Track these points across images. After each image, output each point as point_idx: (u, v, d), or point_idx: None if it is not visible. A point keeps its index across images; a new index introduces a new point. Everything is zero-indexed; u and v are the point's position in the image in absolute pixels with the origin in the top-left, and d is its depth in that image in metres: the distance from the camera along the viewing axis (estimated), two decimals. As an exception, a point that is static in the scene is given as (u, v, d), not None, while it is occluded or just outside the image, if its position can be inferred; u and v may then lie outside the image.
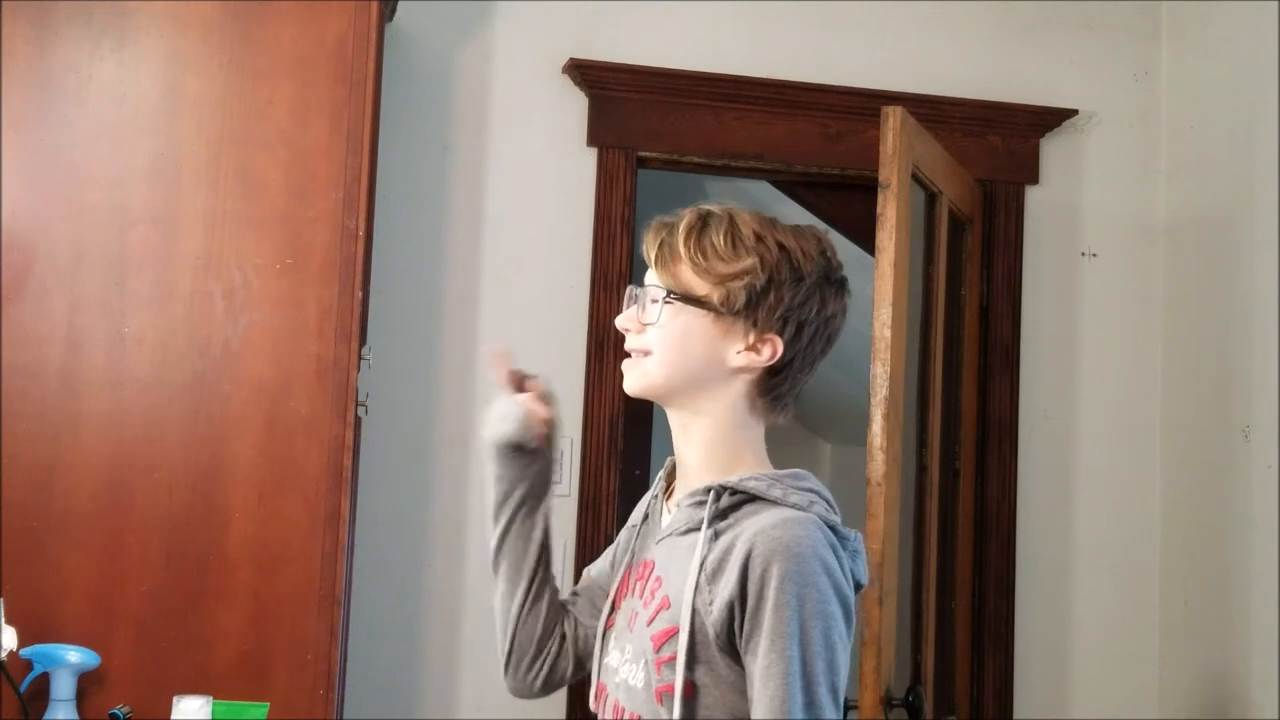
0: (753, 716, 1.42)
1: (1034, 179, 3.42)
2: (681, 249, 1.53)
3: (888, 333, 2.70)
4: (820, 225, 3.61)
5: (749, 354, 1.52)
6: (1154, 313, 3.43)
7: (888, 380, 2.69)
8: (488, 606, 3.07)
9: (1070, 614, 3.36)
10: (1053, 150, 3.44)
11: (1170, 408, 3.39)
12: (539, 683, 1.70)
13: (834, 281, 1.56)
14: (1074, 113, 3.42)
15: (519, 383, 1.72)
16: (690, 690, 1.45)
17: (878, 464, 2.68)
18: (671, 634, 1.47)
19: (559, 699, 3.07)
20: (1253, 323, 3.11)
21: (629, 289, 1.61)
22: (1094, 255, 3.44)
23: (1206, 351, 3.29)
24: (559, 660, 1.70)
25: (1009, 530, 3.31)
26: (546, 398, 1.71)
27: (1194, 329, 3.33)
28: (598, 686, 1.61)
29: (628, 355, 1.59)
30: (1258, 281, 3.11)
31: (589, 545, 3.10)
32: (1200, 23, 3.40)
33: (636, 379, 1.57)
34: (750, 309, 1.51)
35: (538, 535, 1.71)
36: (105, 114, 2.51)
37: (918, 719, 2.73)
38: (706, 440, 1.56)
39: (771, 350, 1.52)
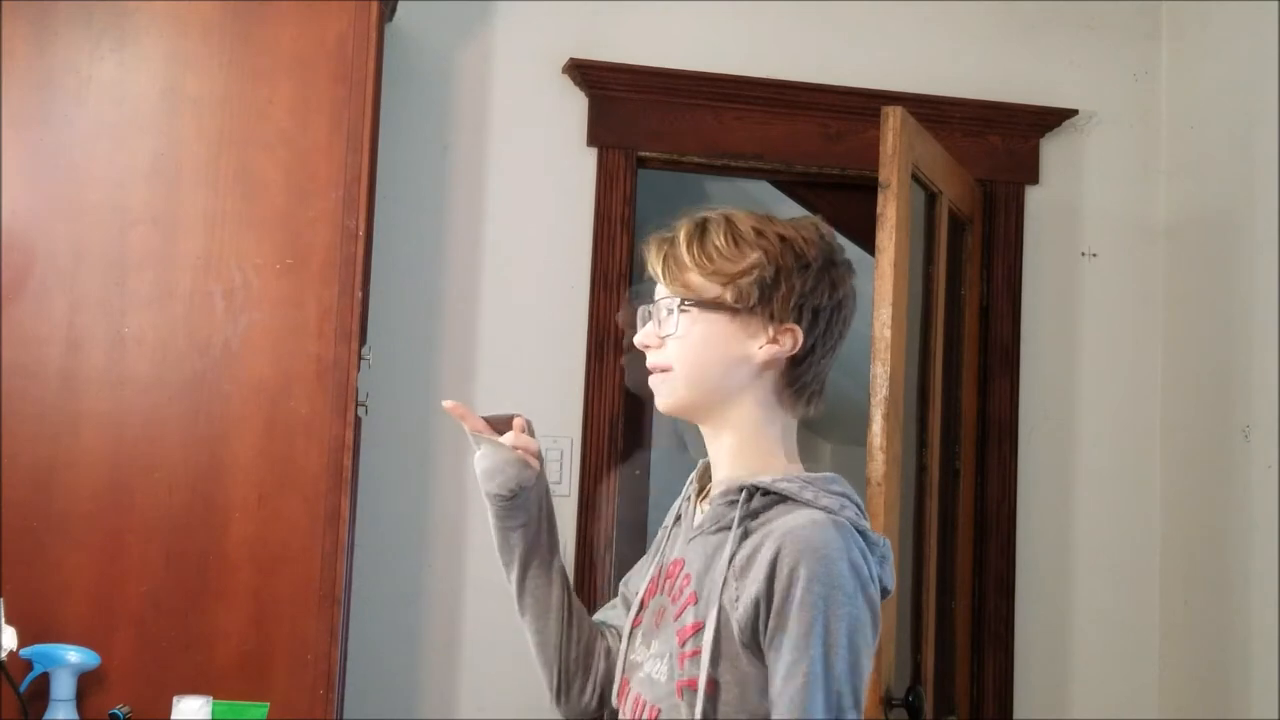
0: (773, 714, 1.42)
1: (1034, 179, 3.42)
2: (686, 257, 1.55)
3: (888, 333, 2.70)
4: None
5: (771, 346, 1.54)
6: (1154, 313, 3.43)
7: (888, 380, 2.69)
8: (488, 606, 3.10)
9: (1070, 614, 3.36)
10: (1053, 150, 3.44)
11: (1170, 408, 3.39)
12: (594, 701, 1.70)
13: (839, 264, 1.58)
14: (1074, 113, 3.42)
15: (502, 425, 1.70)
16: (712, 687, 1.45)
17: (878, 464, 2.68)
18: (697, 629, 1.47)
19: (559, 699, 3.07)
20: (1253, 323, 3.11)
21: (641, 309, 1.61)
22: (1094, 255, 3.44)
23: (1206, 351, 3.29)
24: (609, 675, 1.69)
25: (1009, 530, 3.31)
26: (529, 428, 1.71)
27: (1194, 329, 3.33)
28: (621, 682, 1.61)
29: (650, 373, 1.59)
30: (1258, 281, 3.11)
31: (589, 545, 3.10)
32: (1200, 23, 3.40)
33: (667, 396, 1.58)
34: (764, 302, 1.53)
35: (556, 564, 1.71)
36: (105, 114, 2.51)
37: (918, 719, 2.73)
38: (738, 441, 1.56)
39: (793, 339, 1.54)
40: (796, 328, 1.53)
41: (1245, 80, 3.19)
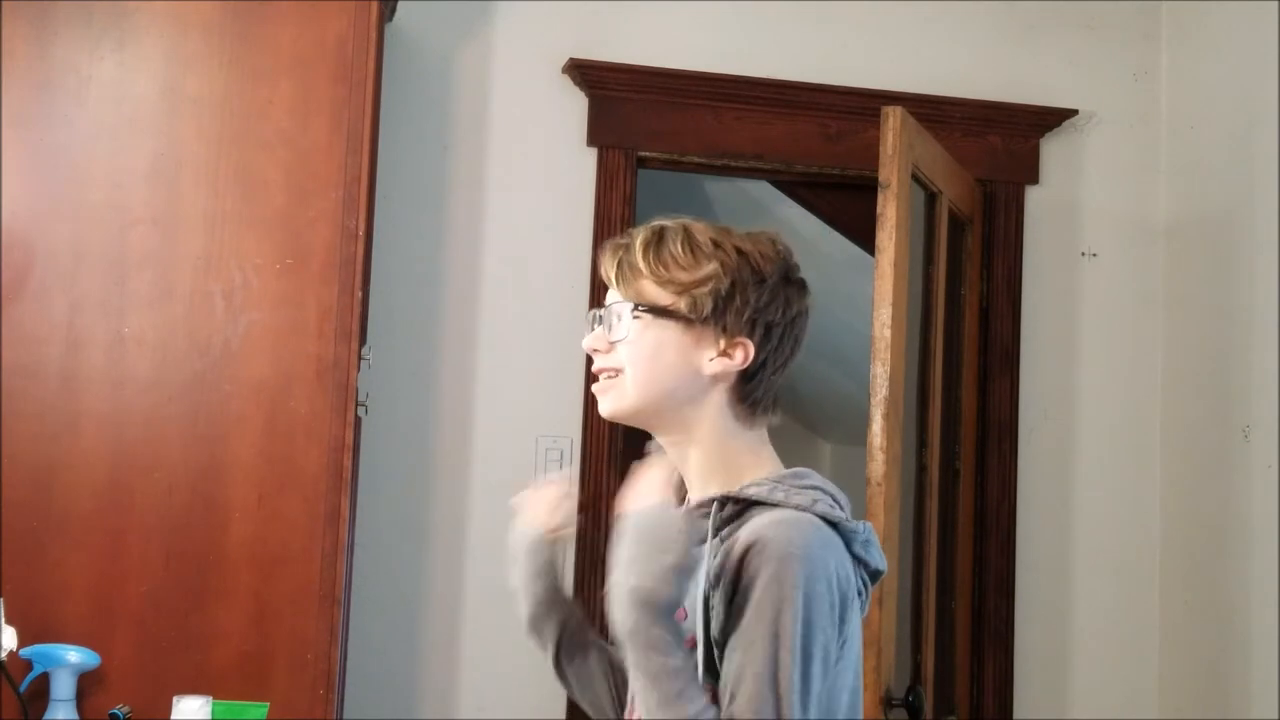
0: (723, 715, 1.40)
1: (1034, 179, 3.42)
2: (641, 263, 1.53)
3: (888, 333, 2.70)
4: (815, 225, 3.64)
5: (722, 359, 1.52)
6: (1154, 313, 3.43)
7: (888, 380, 2.69)
8: (488, 606, 3.10)
9: (1070, 614, 3.36)
10: (1053, 150, 3.44)
11: (1170, 408, 3.39)
12: None
13: (794, 282, 1.57)
14: (1074, 113, 3.42)
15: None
16: (711, 699, 1.43)
17: (878, 464, 2.68)
18: (690, 645, 1.46)
19: (559, 699, 3.07)
20: (1253, 323, 3.11)
21: (591, 313, 1.59)
22: (1094, 255, 3.44)
23: (1206, 351, 3.29)
24: None
25: (1009, 530, 3.31)
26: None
27: (1194, 329, 3.33)
28: (630, 708, 1.59)
29: (595, 379, 1.58)
30: (1258, 281, 3.11)
31: (589, 545, 3.10)
32: (1200, 23, 3.40)
33: (612, 401, 1.56)
34: (718, 314, 1.51)
35: (591, 632, 1.68)
36: (105, 114, 2.51)
37: (918, 719, 2.73)
38: (700, 457, 1.55)
39: (744, 354, 1.52)
40: (748, 342, 1.52)
41: (1245, 80, 3.19)
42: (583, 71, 3.18)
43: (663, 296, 1.52)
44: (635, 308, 1.53)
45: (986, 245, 3.37)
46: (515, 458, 3.12)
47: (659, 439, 1.59)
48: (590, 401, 3.12)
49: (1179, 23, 3.47)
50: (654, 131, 3.23)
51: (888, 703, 2.68)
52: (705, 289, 1.51)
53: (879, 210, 2.75)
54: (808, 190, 3.58)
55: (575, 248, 3.18)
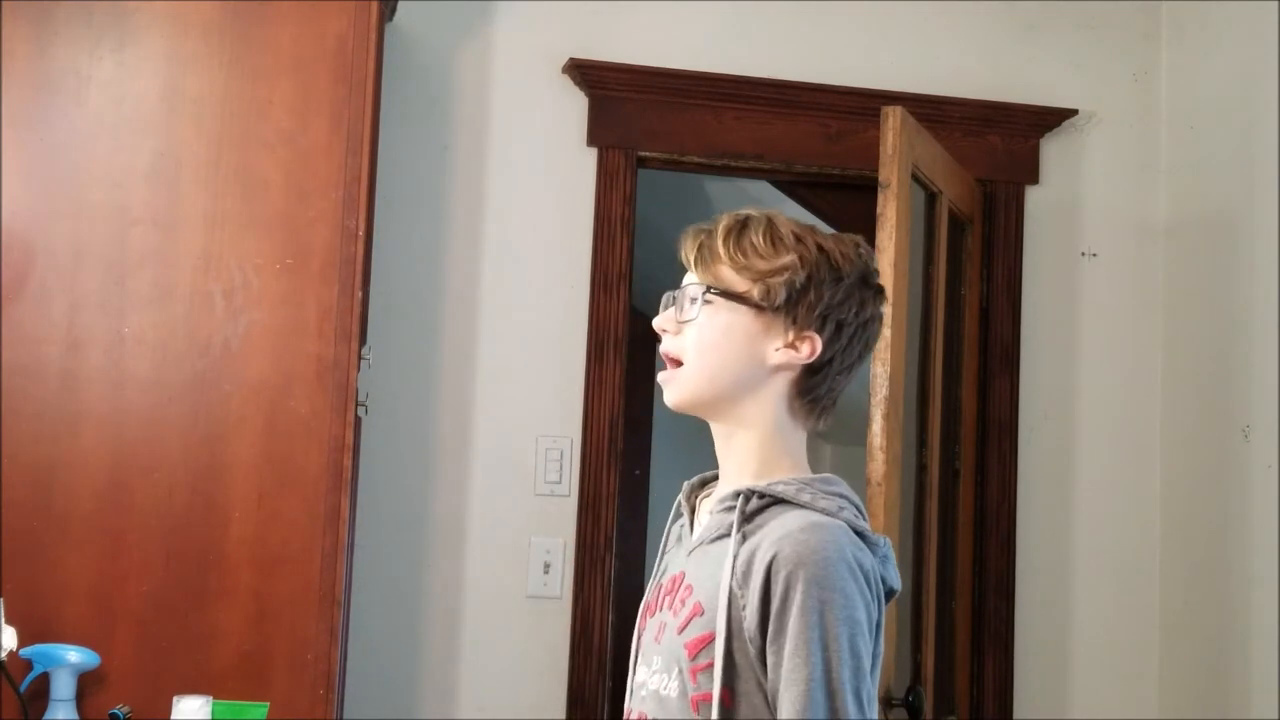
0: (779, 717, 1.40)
1: (1034, 179, 3.42)
2: (721, 249, 1.54)
3: (887, 333, 2.69)
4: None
5: (788, 351, 1.52)
6: (1154, 313, 3.43)
7: (888, 380, 2.69)
8: (488, 606, 3.10)
9: (1070, 614, 3.36)
10: (1053, 150, 3.44)
11: (1170, 408, 3.39)
12: None
13: (871, 286, 1.57)
14: (1074, 113, 3.42)
15: None
16: (729, 697, 1.43)
17: (878, 464, 2.68)
18: (707, 640, 1.45)
19: (559, 698, 3.07)
20: (1253, 323, 3.11)
21: (666, 295, 1.60)
22: (1094, 255, 3.44)
23: (1206, 351, 3.29)
24: None
25: (1009, 530, 3.31)
26: None
27: (1194, 329, 3.33)
28: (626, 713, 1.59)
29: (663, 367, 1.58)
30: (1258, 281, 3.11)
31: (589, 545, 3.10)
32: (1200, 23, 3.40)
33: (675, 389, 1.56)
34: (790, 305, 1.52)
35: None
36: (105, 114, 2.51)
37: (918, 719, 2.73)
38: (747, 447, 1.55)
39: (810, 348, 1.52)
40: (816, 336, 1.52)
41: (1245, 80, 3.19)
42: (583, 71, 3.18)
43: (738, 282, 1.53)
44: (707, 290, 1.53)
45: (986, 245, 3.37)
46: (515, 458, 3.12)
47: (712, 426, 1.58)
48: (590, 401, 3.14)
49: (1179, 23, 3.47)
50: (654, 131, 3.23)
51: (888, 703, 2.68)
52: (780, 279, 1.52)
53: (879, 210, 2.75)
54: (808, 190, 3.57)
55: (575, 248, 3.18)
